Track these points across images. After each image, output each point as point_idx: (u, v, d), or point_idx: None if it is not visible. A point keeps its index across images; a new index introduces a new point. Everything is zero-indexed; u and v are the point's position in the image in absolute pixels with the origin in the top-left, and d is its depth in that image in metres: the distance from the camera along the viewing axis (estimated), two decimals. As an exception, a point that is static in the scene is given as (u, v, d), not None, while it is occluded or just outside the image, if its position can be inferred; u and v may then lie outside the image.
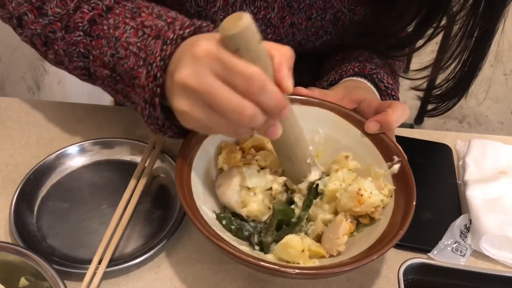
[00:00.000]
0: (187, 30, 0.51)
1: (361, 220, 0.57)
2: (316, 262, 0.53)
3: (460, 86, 0.72)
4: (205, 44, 0.45)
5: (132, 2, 0.58)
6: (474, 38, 0.66)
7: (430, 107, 0.78)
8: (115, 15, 0.56)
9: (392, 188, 0.57)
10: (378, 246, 0.51)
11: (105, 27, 0.56)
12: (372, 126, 0.61)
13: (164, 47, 0.50)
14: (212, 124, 0.47)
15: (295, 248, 0.52)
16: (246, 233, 0.57)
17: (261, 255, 0.54)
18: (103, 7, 0.57)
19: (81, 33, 0.57)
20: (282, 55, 0.48)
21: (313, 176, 0.59)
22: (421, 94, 0.80)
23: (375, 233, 0.53)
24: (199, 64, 0.45)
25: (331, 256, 0.54)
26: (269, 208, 0.58)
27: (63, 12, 0.57)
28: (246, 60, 0.44)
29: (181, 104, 0.47)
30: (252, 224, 0.58)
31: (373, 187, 0.55)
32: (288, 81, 0.47)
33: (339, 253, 0.54)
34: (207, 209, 0.56)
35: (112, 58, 0.55)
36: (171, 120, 0.54)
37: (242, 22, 0.42)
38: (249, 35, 0.44)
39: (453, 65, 0.69)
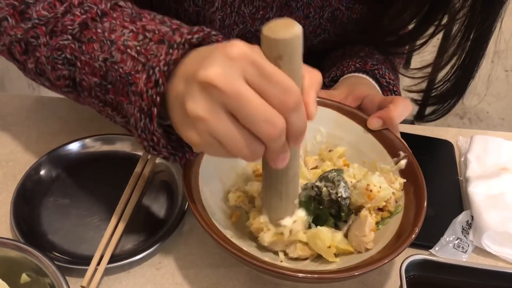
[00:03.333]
0: (196, 36, 0.45)
1: (381, 215, 0.56)
2: (338, 261, 0.53)
3: (457, 87, 0.72)
4: (241, 45, 0.40)
5: (131, 9, 0.52)
6: (472, 38, 0.66)
7: (428, 110, 0.78)
8: (112, 18, 0.50)
9: (403, 182, 0.57)
10: (395, 244, 0.50)
11: (99, 31, 0.49)
12: (374, 122, 0.61)
13: (170, 50, 0.44)
14: (230, 138, 0.41)
15: (323, 241, 0.52)
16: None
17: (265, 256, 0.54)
18: (98, 11, 0.50)
19: (69, 37, 0.50)
20: (313, 79, 0.45)
21: (292, 219, 0.54)
22: (419, 96, 0.80)
23: (387, 232, 0.53)
24: (232, 64, 0.40)
25: (359, 252, 0.54)
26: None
27: (50, 15, 0.51)
28: (284, 72, 0.41)
29: (197, 108, 0.41)
30: None
31: (382, 181, 0.54)
32: (314, 108, 0.44)
33: (367, 250, 0.54)
34: (217, 217, 0.55)
35: (105, 63, 0.48)
36: (167, 139, 0.48)
37: (295, 29, 0.40)
38: (298, 44, 0.41)
39: (451, 64, 0.69)
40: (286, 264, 0.54)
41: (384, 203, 0.55)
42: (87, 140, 0.69)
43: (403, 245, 0.50)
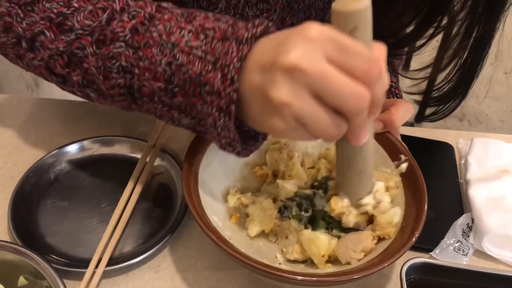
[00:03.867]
0: (259, 28, 0.44)
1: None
2: (330, 267, 0.53)
3: (460, 88, 0.71)
4: (316, 25, 0.40)
5: (179, 9, 0.50)
6: (473, 39, 0.66)
7: (429, 111, 0.78)
8: (164, 20, 0.48)
9: (399, 179, 0.57)
10: (395, 248, 0.50)
11: (154, 34, 0.48)
12: (376, 125, 0.60)
13: (241, 46, 0.44)
14: (316, 119, 0.41)
15: (319, 249, 0.52)
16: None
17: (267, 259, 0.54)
18: (146, 14, 0.49)
19: (122, 44, 0.48)
20: (380, 49, 0.44)
21: (371, 196, 0.53)
22: (419, 98, 0.80)
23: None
24: (313, 45, 0.40)
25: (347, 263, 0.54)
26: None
27: (94, 24, 0.49)
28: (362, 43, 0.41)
29: (283, 93, 0.40)
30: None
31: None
32: (387, 77, 0.44)
33: (349, 263, 0.53)
34: (217, 219, 0.55)
35: (169, 66, 0.47)
36: (239, 134, 0.48)
37: (365, 0, 0.40)
38: (370, 14, 0.41)
39: (452, 65, 0.69)
40: (284, 266, 0.54)
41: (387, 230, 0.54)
42: (86, 142, 0.69)
43: (403, 249, 0.50)
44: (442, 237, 0.63)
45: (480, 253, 0.63)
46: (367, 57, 0.40)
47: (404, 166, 0.57)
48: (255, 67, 0.43)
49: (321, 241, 0.52)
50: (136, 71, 0.49)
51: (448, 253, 0.61)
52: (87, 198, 0.64)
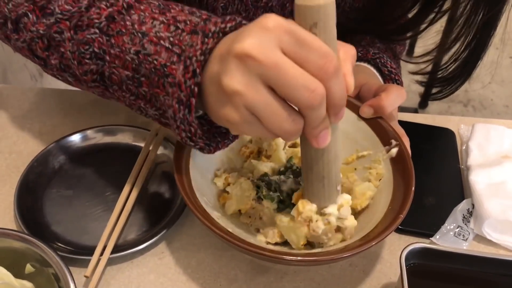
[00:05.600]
0: (229, 25, 0.44)
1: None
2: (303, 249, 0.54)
3: (465, 68, 0.71)
4: (275, 16, 0.40)
5: (157, 0, 0.51)
6: (479, 20, 0.65)
7: (434, 90, 0.78)
8: (139, 11, 0.49)
9: (382, 173, 0.58)
10: (379, 231, 0.51)
11: (128, 23, 0.48)
12: (366, 110, 0.61)
13: (206, 40, 0.44)
14: (269, 110, 0.41)
15: (299, 238, 0.53)
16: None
17: (261, 243, 0.55)
18: (124, 4, 0.49)
19: (96, 31, 0.49)
20: (347, 52, 0.45)
21: (336, 205, 0.52)
22: (424, 78, 0.80)
23: (374, 218, 0.54)
24: (268, 35, 0.39)
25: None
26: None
27: (73, 9, 0.50)
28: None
29: (234, 81, 0.40)
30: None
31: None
32: (352, 79, 0.43)
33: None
34: (207, 200, 0.56)
35: (137, 55, 0.47)
36: (202, 129, 0.48)
37: None
38: (332, 11, 0.41)
39: (457, 46, 0.68)
40: (271, 246, 0.54)
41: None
42: (89, 132, 0.70)
43: (386, 231, 0.50)
44: (442, 222, 0.63)
45: (480, 238, 0.63)
46: (323, 52, 0.40)
47: (394, 150, 0.58)
48: (216, 58, 0.43)
49: (302, 231, 0.52)
50: (107, 58, 0.49)
51: (449, 238, 0.62)
52: (91, 187, 0.65)
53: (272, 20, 0.40)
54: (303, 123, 0.42)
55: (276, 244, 0.55)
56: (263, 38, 0.39)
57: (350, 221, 0.52)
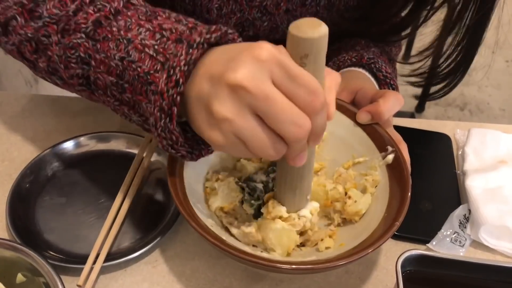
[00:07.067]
0: (214, 35, 0.45)
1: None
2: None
3: (460, 64, 0.71)
4: (269, 46, 0.41)
5: (145, 7, 0.51)
6: (471, 16, 0.65)
7: (432, 90, 0.78)
8: (126, 17, 0.49)
9: (378, 179, 0.58)
10: (376, 237, 0.50)
11: (114, 29, 0.48)
12: (363, 116, 0.61)
13: (190, 50, 0.44)
14: (255, 139, 0.42)
15: (290, 241, 0.53)
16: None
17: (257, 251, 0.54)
18: (111, 9, 0.49)
19: (83, 35, 0.49)
20: (333, 79, 0.46)
21: (305, 211, 0.55)
22: (419, 79, 0.79)
23: (371, 224, 0.53)
24: (261, 66, 0.41)
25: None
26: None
27: (61, 13, 0.50)
28: (309, 71, 0.42)
29: (224, 109, 0.41)
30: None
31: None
32: (334, 108, 0.45)
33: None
34: (201, 207, 0.55)
35: (121, 62, 0.47)
36: (184, 136, 0.48)
37: (322, 28, 0.41)
38: (324, 44, 0.42)
39: (451, 42, 0.68)
40: (265, 254, 0.54)
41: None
42: (82, 138, 0.69)
43: (382, 239, 0.50)
44: (439, 228, 0.63)
45: (477, 244, 0.63)
46: (312, 89, 0.41)
47: (390, 157, 0.58)
48: (206, 76, 0.44)
49: (290, 238, 0.53)
50: (93, 63, 0.49)
51: (445, 244, 0.61)
52: (85, 194, 0.64)
53: (266, 51, 0.41)
54: (286, 149, 0.44)
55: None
56: (256, 69, 0.40)
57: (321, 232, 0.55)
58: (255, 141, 0.42)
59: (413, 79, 0.76)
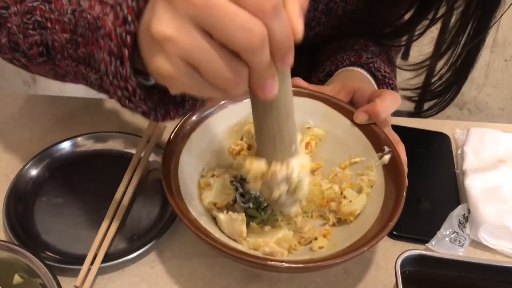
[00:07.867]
0: None
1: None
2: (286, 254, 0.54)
3: (453, 84, 0.71)
4: None
5: None
6: (470, 28, 0.65)
7: (426, 106, 0.78)
8: None
9: (374, 180, 0.58)
10: (369, 237, 0.50)
11: None
12: (360, 116, 0.60)
13: None
14: (205, 57, 0.36)
15: (288, 243, 0.53)
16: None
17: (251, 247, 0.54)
18: None
19: None
20: None
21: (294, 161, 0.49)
22: (414, 94, 0.80)
23: (365, 225, 0.53)
24: None
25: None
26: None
27: None
28: None
29: (163, 26, 0.35)
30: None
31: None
32: (299, 24, 0.37)
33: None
34: (195, 204, 0.55)
35: (73, 14, 0.44)
36: (148, 94, 0.44)
37: None
38: None
39: (448, 56, 0.68)
40: (259, 253, 0.53)
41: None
42: (80, 139, 0.69)
43: (376, 238, 0.50)
44: (438, 228, 0.62)
45: (477, 244, 0.62)
46: None
47: (387, 157, 0.57)
48: (149, 5, 0.39)
49: (287, 238, 0.53)
50: (49, 24, 0.47)
51: (444, 244, 0.61)
52: (82, 194, 0.64)
53: None
54: (247, 71, 0.38)
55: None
56: None
57: (306, 181, 0.50)
58: (206, 61, 0.36)
59: (408, 93, 0.76)
